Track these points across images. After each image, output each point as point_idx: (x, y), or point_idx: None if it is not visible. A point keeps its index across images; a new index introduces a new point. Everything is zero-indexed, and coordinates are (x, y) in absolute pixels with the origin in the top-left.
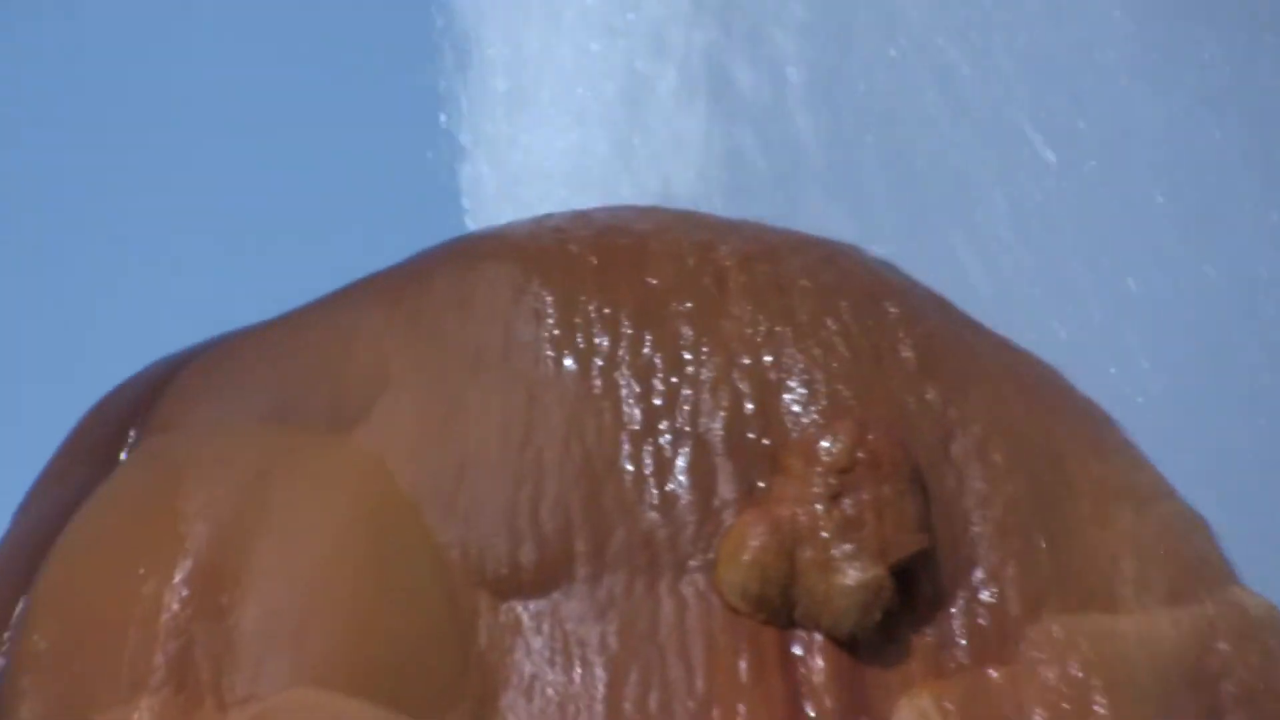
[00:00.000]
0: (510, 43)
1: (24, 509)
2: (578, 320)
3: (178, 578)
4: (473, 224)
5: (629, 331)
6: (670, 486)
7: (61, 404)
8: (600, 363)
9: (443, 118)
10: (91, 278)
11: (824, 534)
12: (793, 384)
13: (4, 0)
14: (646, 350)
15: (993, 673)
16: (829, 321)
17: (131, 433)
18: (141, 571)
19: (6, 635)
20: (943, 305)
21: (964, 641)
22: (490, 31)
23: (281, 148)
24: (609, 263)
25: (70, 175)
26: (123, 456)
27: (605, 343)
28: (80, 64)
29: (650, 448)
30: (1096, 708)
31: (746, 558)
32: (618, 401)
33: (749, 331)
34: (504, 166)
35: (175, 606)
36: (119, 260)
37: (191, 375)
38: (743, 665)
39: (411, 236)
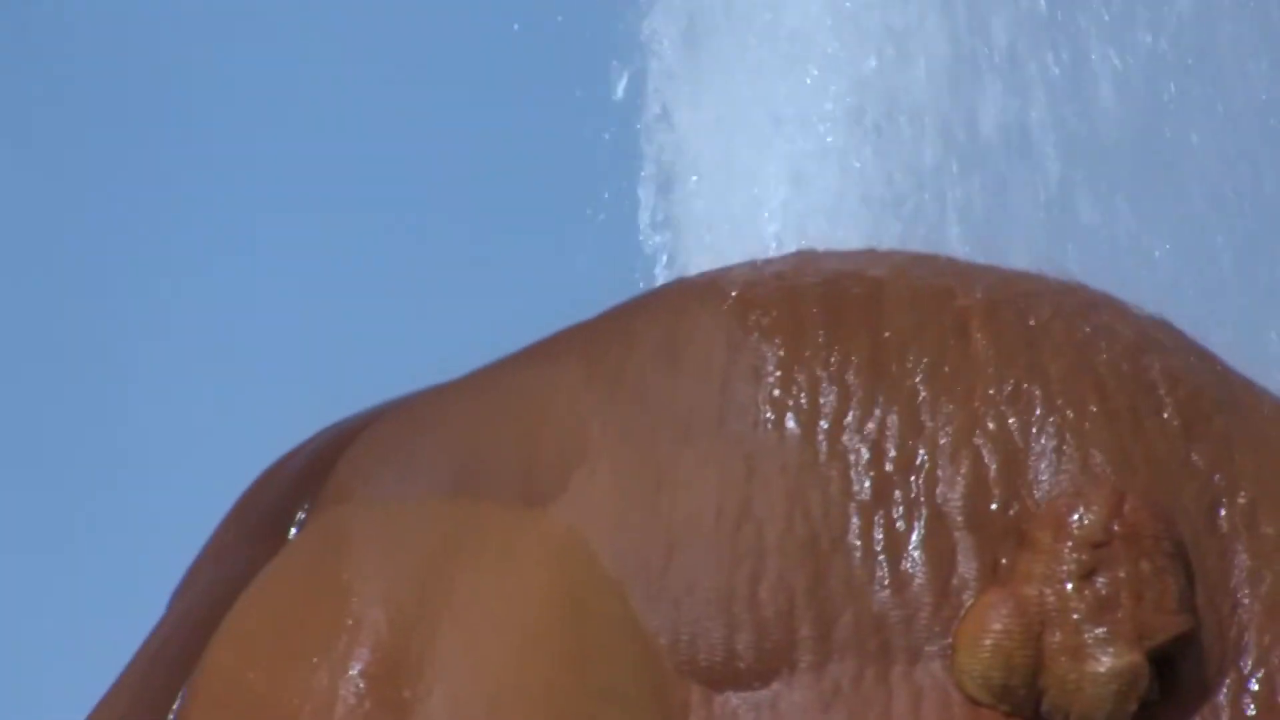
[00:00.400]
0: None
1: (183, 589)
2: (801, 378)
3: (354, 669)
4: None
5: (859, 391)
6: (904, 564)
7: (224, 474)
8: (826, 426)
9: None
10: (250, 333)
11: (1074, 616)
12: (1041, 448)
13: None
14: (878, 411)
15: None
16: (1083, 379)
17: (303, 506)
18: (315, 660)
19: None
20: (1213, 361)
21: None
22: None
23: (468, 180)
24: (837, 313)
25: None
26: (293, 532)
27: (832, 403)
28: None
29: (882, 521)
30: None
31: (989, 643)
32: (846, 469)
33: (993, 390)
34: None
35: (352, 701)
36: (279, 312)
37: (368, 443)
38: None
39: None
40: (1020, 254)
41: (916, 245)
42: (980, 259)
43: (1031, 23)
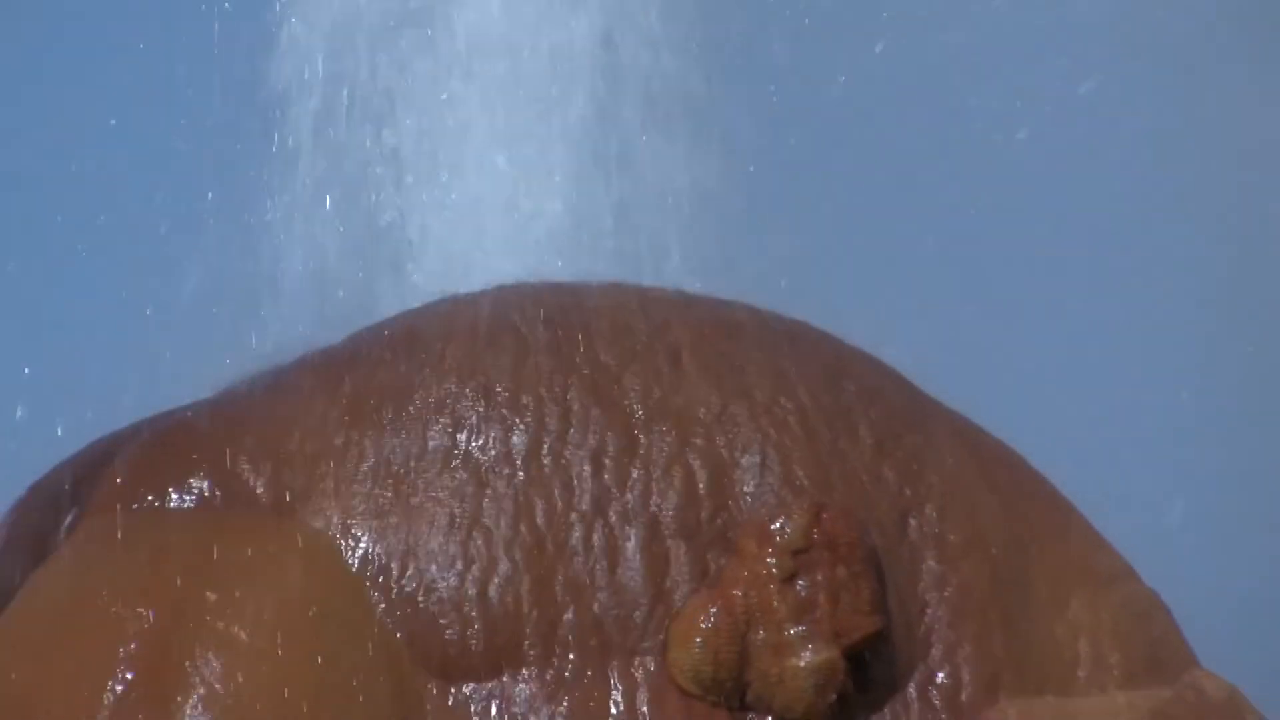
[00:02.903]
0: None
1: None
2: (526, 399)
3: (116, 673)
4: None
5: (580, 411)
6: (621, 568)
7: None
8: (549, 443)
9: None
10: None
11: (777, 616)
12: (747, 464)
13: None
14: (597, 430)
15: None
16: (784, 400)
17: (67, 519)
18: (77, 664)
19: None
20: (904, 384)
21: None
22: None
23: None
24: (559, 340)
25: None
26: (57, 541)
27: (555, 422)
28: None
29: (601, 529)
30: None
31: (698, 640)
32: (568, 482)
33: (703, 411)
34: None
35: (111, 703)
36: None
37: (127, 460)
38: None
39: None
40: (729, 285)
41: (632, 277)
42: (694, 289)
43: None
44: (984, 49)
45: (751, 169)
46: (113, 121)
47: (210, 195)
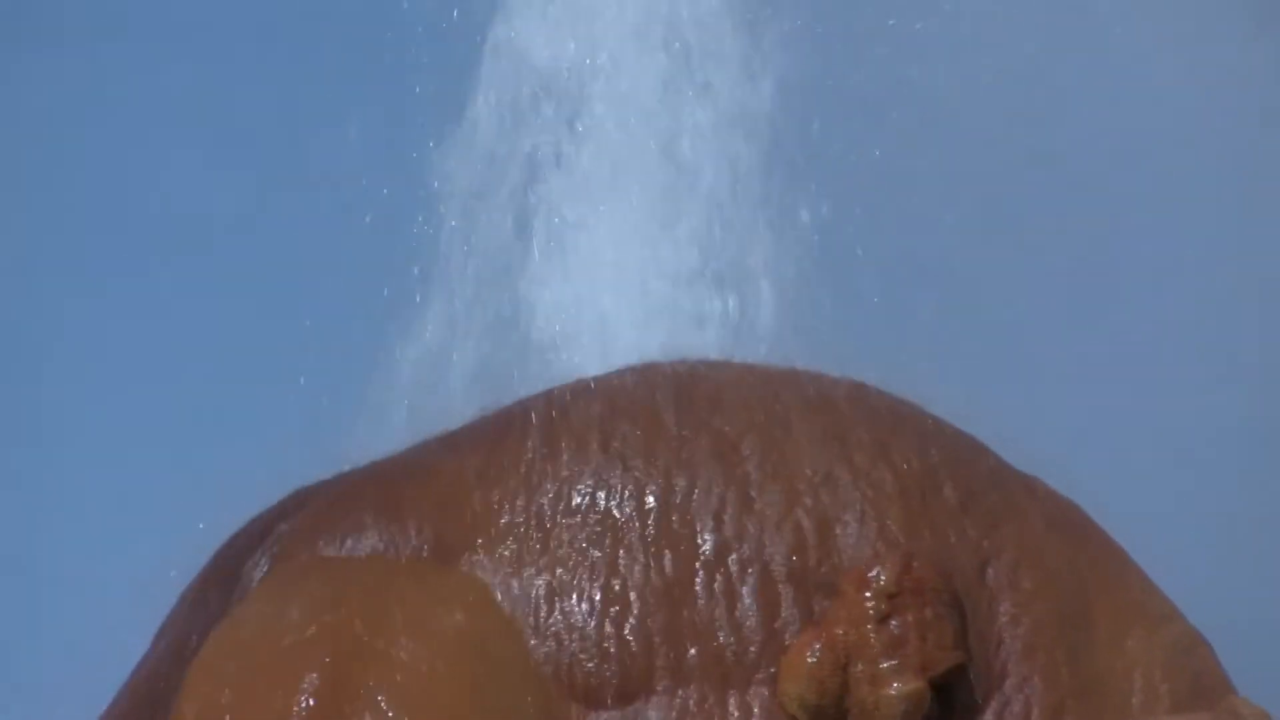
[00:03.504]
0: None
1: (164, 630)
2: (659, 463)
3: (304, 690)
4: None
5: (703, 474)
6: (739, 610)
7: (195, 539)
8: (678, 501)
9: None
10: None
11: (873, 651)
12: (848, 520)
13: None
14: (718, 490)
15: None
16: (880, 465)
17: (260, 565)
18: (272, 683)
19: None
20: (980, 450)
21: None
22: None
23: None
24: (685, 411)
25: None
26: (254, 580)
27: (682, 484)
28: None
29: (721, 576)
30: None
31: (805, 671)
32: (693, 536)
33: (810, 473)
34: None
35: (302, 716)
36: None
37: (314, 511)
38: None
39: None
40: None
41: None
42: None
43: None
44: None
45: (860, 252)
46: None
47: (385, 291)
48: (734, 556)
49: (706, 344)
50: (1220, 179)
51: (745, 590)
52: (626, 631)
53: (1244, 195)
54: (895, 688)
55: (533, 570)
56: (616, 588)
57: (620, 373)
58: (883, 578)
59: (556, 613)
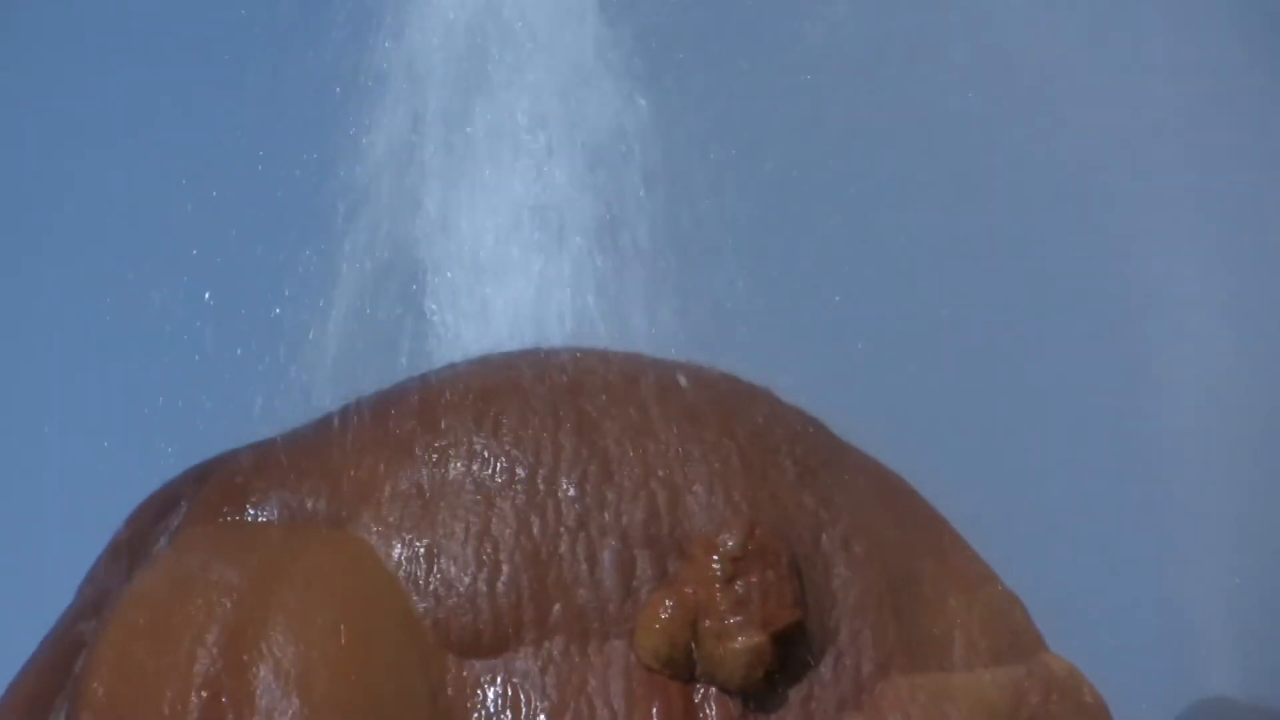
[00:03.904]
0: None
1: (85, 583)
2: (528, 439)
3: (209, 640)
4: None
5: (569, 449)
6: (599, 571)
7: (112, 505)
8: (544, 473)
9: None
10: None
11: (720, 609)
12: (698, 490)
13: None
14: (581, 464)
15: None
16: (728, 442)
17: (169, 527)
18: (180, 634)
19: (69, 683)
20: (820, 429)
21: (829, 696)
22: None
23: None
24: (553, 393)
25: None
26: (162, 542)
27: (549, 457)
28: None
29: (584, 540)
30: None
31: (658, 627)
32: (558, 504)
33: (663, 448)
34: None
35: (206, 662)
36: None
37: (218, 482)
38: (655, 712)
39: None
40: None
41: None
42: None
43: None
44: None
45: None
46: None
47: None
48: (595, 522)
49: (580, 336)
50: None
51: (605, 554)
52: (498, 589)
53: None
54: (740, 642)
55: (414, 534)
56: (489, 550)
57: (491, 357)
58: (729, 543)
59: (435, 572)
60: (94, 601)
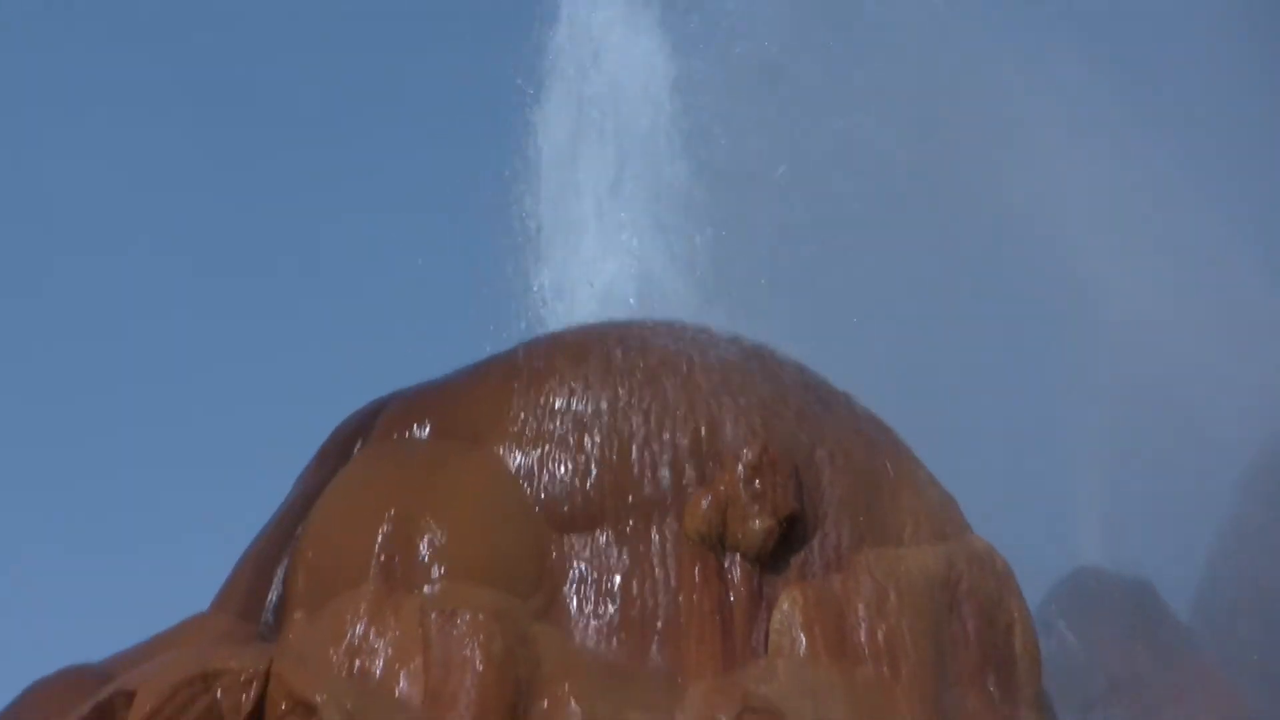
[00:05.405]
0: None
1: (299, 481)
2: (609, 384)
3: (384, 527)
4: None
5: (640, 393)
6: (659, 474)
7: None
8: (621, 406)
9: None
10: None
11: (743, 501)
12: (728, 422)
13: None
14: (648, 401)
15: (834, 579)
16: (750, 389)
17: (356, 445)
18: (363, 522)
19: (289, 545)
20: (819, 382)
21: (818, 562)
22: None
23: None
24: (628, 352)
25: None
26: (356, 450)
27: (624, 396)
28: None
29: (649, 453)
30: (890, 597)
31: (700, 513)
32: (631, 428)
33: (705, 394)
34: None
35: (381, 542)
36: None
37: (392, 411)
38: (697, 570)
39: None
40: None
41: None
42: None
43: None
44: None
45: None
46: None
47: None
48: (656, 442)
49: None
50: None
51: (664, 462)
52: (589, 485)
53: None
54: (756, 524)
55: (530, 447)
56: (582, 458)
57: (582, 327)
58: (749, 456)
59: (544, 473)
60: (304, 493)
